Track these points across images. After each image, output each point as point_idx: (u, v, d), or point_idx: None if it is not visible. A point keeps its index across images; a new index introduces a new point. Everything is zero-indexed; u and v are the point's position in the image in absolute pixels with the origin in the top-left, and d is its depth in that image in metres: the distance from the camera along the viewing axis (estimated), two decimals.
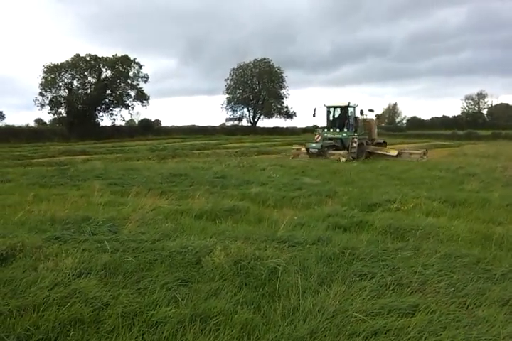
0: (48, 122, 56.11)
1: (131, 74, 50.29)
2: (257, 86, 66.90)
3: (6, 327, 3.14)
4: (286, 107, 68.41)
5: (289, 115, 68.47)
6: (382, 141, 26.01)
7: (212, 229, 6.05)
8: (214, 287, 3.94)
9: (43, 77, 47.00)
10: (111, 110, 51.30)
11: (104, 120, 53.01)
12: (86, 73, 48.79)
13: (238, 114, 69.02)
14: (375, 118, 26.45)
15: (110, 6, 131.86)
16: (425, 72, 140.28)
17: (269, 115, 68.36)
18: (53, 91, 47.55)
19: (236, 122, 68.67)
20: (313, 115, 23.77)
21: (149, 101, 52.30)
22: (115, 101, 50.84)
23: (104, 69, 49.52)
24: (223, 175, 13.34)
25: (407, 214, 7.44)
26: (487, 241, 5.81)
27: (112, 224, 6.14)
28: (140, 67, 50.42)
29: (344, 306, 3.61)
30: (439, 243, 5.58)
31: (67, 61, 47.47)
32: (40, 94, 47.16)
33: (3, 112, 66.64)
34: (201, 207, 7.54)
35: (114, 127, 51.38)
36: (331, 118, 24.06)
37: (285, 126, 69.11)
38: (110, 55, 49.19)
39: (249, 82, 66.61)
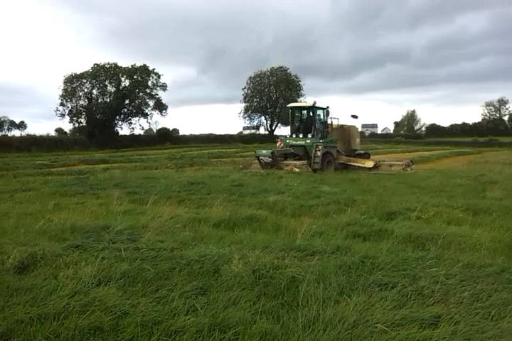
0: (68, 131, 57.19)
1: (149, 83, 50.96)
2: (274, 94, 67.13)
3: (26, 335, 3.16)
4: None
5: None
6: (363, 152, 22.84)
7: (230, 238, 6.04)
8: (233, 296, 3.91)
9: (64, 87, 47.97)
10: (130, 119, 52.04)
11: (123, 129, 53.78)
12: (106, 83, 49.60)
13: (255, 122, 69.35)
14: (359, 126, 25.01)
15: (130, 17, 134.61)
16: (445, 78, 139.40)
17: (286, 123, 68.28)
18: (73, 101, 48.55)
19: (253, 130, 68.96)
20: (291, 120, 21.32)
21: (167, 110, 52.90)
22: (134, 111, 51.55)
23: (123, 79, 50.28)
24: (241, 183, 13.35)
25: (428, 222, 7.32)
26: (511, 250, 5.68)
27: (130, 232, 6.19)
28: (159, 76, 51.12)
29: (365, 316, 3.55)
30: (461, 252, 5.47)
31: (86, 71, 48.35)
32: (61, 104, 48.20)
33: (25, 122, 68.21)
34: (219, 216, 7.55)
35: (132, 136, 52.06)
36: (295, 122, 21.20)
37: None
38: (129, 65, 49.96)
39: (266, 90, 66.90)
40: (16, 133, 62.27)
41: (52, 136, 49.99)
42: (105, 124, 48.50)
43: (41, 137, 45.72)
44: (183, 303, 3.71)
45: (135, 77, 50.19)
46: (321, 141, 19.26)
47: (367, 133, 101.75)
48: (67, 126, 54.77)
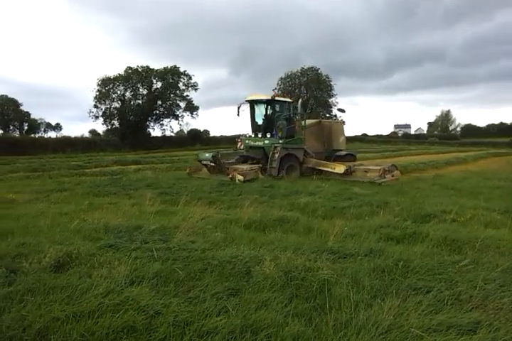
0: (101, 133, 58.38)
1: (180, 85, 51.51)
2: (305, 95, 66.73)
3: (62, 333, 3.22)
4: (335, 116, 67.80)
5: None
6: (345, 153, 19.17)
7: (261, 239, 6.02)
8: (264, 298, 3.89)
9: (98, 90, 48.97)
10: (161, 121, 52.71)
11: (155, 130, 54.54)
12: (138, 85, 50.40)
13: None
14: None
15: (162, 19, 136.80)
16: (483, 77, 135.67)
17: None
18: (107, 103, 49.46)
19: None
20: (237, 114, 17.51)
21: (198, 111, 53.34)
22: (165, 112, 52.19)
23: (154, 81, 50.99)
24: (271, 184, 13.30)
25: (464, 225, 7.12)
26: None
27: (162, 232, 6.25)
28: (190, 78, 51.57)
29: (399, 321, 3.47)
30: (500, 256, 5.27)
31: (120, 74, 49.26)
32: (95, 106, 49.17)
33: (61, 124, 70.09)
34: (250, 217, 7.54)
35: (164, 137, 52.72)
36: (256, 118, 17.80)
37: None
38: (161, 67, 50.65)
39: (296, 90, 66.55)
40: (52, 134, 64.00)
41: (86, 138, 51.10)
42: (137, 126, 49.26)
43: (76, 138, 46.85)
44: (215, 304, 3.72)
45: (166, 78, 50.83)
46: (280, 141, 16.19)
47: (399, 133, 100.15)
48: (100, 127, 56.07)
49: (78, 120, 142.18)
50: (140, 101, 50.42)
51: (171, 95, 51.68)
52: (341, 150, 19.28)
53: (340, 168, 15.74)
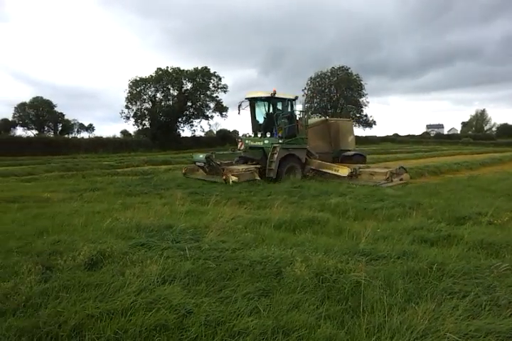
0: (132, 133, 59.29)
1: (210, 86, 51.84)
2: (335, 94, 66.21)
3: (96, 330, 3.27)
4: (366, 116, 67.05)
5: (368, 124, 67.01)
6: (353, 153, 17.97)
7: (291, 240, 5.98)
8: (295, 299, 3.86)
9: (129, 91, 49.78)
10: (191, 121, 53.17)
11: (185, 131, 55.02)
12: (169, 86, 50.98)
13: None
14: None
15: (193, 20, 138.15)
16: None
17: None
18: (138, 104, 50.19)
19: None
20: (238, 113, 16.53)
21: (228, 112, 53.57)
22: (195, 113, 52.62)
23: (185, 82, 51.48)
24: (301, 185, 13.24)
25: (501, 228, 6.90)
26: None
27: (193, 232, 6.29)
28: (219, 78, 51.86)
29: (435, 325, 3.38)
30: None
31: (151, 75, 49.95)
32: (126, 107, 49.97)
33: (93, 124, 71.64)
34: (280, 217, 7.51)
35: (193, 138, 53.17)
36: (257, 117, 16.88)
37: (364, 135, 67.77)
38: (191, 68, 51.12)
39: (326, 90, 66.09)
40: (85, 135, 65.42)
41: (117, 138, 51.95)
42: (168, 126, 49.82)
43: (107, 139, 47.72)
44: (246, 304, 3.71)
45: (197, 79, 51.25)
46: (280, 141, 15.29)
47: (432, 133, 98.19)
48: (131, 128, 56.87)
49: (110, 121, 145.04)
50: (170, 102, 50.97)
51: (201, 96, 52.07)
52: (350, 150, 18.16)
53: (344, 171, 14.75)
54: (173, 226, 6.57)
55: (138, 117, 50.37)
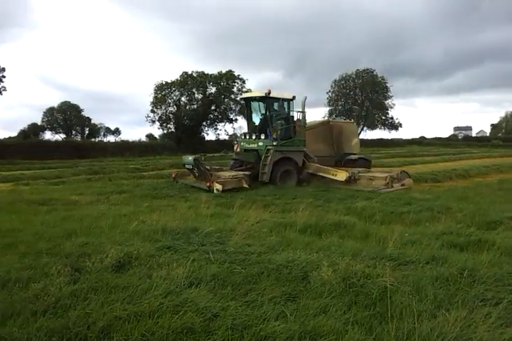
0: (157, 137, 59.93)
1: (235, 89, 52.03)
2: (360, 97, 65.65)
3: (124, 331, 3.29)
4: (391, 118, 66.24)
5: (393, 126, 66.20)
6: (357, 157, 16.98)
7: (317, 244, 5.92)
8: (322, 304, 3.81)
9: (154, 95, 50.36)
10: (216, 125, 53.42)
11: (209, 134, 55.32)
12: (193, 90, 51.37)
13: None
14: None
15: (218, 23, 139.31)
16: None
17: (372, 127, 66.62)
18: (163, 108, 50.71)
19: None
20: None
21: None
22: (219, 116, 52.84)
23: (209, 86, 51.80)
24: (326, 188, 13.14)
25: None
26: None
27: (219, 235, 6.30)
28: (244, 82, 51.99)
29: (466, 333, 3.29)
30: None
31: (176, 79, 50.44)
32: (152, 111, 50.52)
33: (120, 128, 72.80)
34: (305, 221, 7.45)
35: (218, 141, 53.40)
36: (253, 118, 16.34)
37: (390, 138, 66.98)
38: (215, 72, 51.43)
39: (351, 93, 65.58)
40: (111, 139, 66.50)
41: (143, 142, 52.65)
42: (192, 130, 50.14)
43: (133, 142, 48.46)
44: (272, 309, 3.68)
45: (221, 83, 51.51)
46: (274, 143, 14.55)
47: (460, 136, 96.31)
48: (156, 131, 57.53)
49: (136, 124, 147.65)
50: (195, 106, 51.34)
51: (225, 99, 52.30)
52: (354, 154, 17.27)
53: (341, 175, 13.93)
54: (198, 229, 6.59)
55: (163, 121, 50.86)
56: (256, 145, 15.23)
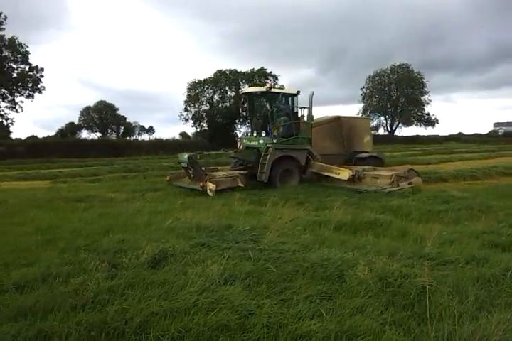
0: (191, 135, 60.48)
1: (267, 86, 51.93)
2: (395, 93, 64.48)
3: (161, 327, 3.33)
4: (428, 114, 64.82)
5: (430, 122, 64.74)
6: (366, 155, 15.87)
7: (352, 243, 5.84)
8: (359, 303, 3.74)
9: (188, 94, 50.84)
10: (248, 122, 53.52)
11: (242, 132, 55.46)
12: (226, 88, 51.59)
13: (374, 122, 67.21)
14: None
15: (249, 21, 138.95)
16: None
17: (408, 123, 65.37)
18: (196, 106, 51.16)
19: (372, 131, 66.87)
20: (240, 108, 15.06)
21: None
22: None
23: (242, 83, 51.90)
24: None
25: None
26: None
27: (252, 232, 6.29)
28: (276, 78, 51.84)
29: (510, 337, 3.17)
30: None
31: (209, 77, 50.78)
32: (185, 109, 51.02)
33: (154, 127, 73.85)
34: (340, 219, 7.38)
35: None
36: (256, 114, 15.53)
37: (426, 135, 65.50)
38: (248, 69, 51.48)
39: (386, 89, 64.50)
40: (145, 137, 67.44)
41: (176, 140, 53.09)
42: (225, 128, 50.33)
43: (167, 141, 48.97)
44: (308, 307, 3.65)
45: (253, 80, 51.52)
46: (274, 140, 13.76)
47: (500, 132, 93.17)
48: (190, 130, 58.07)
49: (169, 123, 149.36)
50: (228, 104, 51.56)
51: None
52: (366, 152, 16.19)
53: (344, 174, 12.96)
54: (232, 227, 6.62)
55: (196, 119, 51.32)
56: (257, 142, 14.44)
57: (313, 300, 3.81)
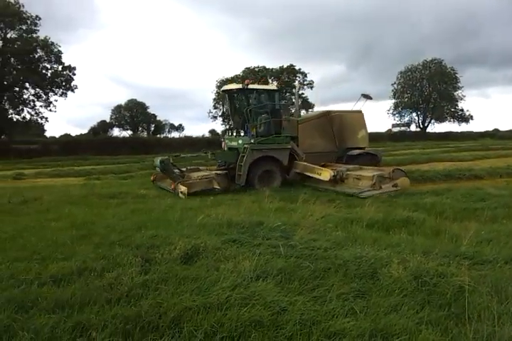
0: (220, 132, 60.84)
1: (296, 83, 51.81)
2: (427, 89, 63.22)
3: (194, 322, 3.34)
4: (461, 110, 63.30)
5: (464, 119, 63.22)
6: (358, 153, 14.65)
7: (385, 240, 5.75)
8: (393, 302, 3.68)
9: (217, 91, 51.09)
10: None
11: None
12: None
13: (406, 119, 66.11)
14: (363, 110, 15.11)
15: (279, 17, 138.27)
16: None
17: (440, 119, 64.06)
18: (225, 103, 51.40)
19: (403, 128, 65.81)
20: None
21: (314, 108, 53.24)
22: (281, 111, 52.76)
23: (270, 81, 51.86)
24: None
25: None
26: None
27: (283, 229, 6.28)
28: (305, 75, 51.58)
29: None
30: None
31: (237, 75, 50.92)
32: (214, 106, 51.37)
33: (183, 124, 74.63)
34: (372, 217, 7.28)
35: None
36: (236, 113, 14.86)
37: (459, 131, 64.01)
38: (277, 66, 51.38)
39: (418, 85, 63.32)
40: (175, 135, 68.26)
41: (206, 137, 53.54)
42: None
43: (196, 138, 49.46)
44: (341, 305, 3.60)
45: (282, 77, 51.39)
46: (252, 140, 13.00)
47: None
48: (219, 127, 58.46)
49: (199, 120, 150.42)
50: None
51: (287, 94, 52.20)
52: (361, 148, 15.12)
53: (325, 174, 12.10)
54: (263, 223, 6.62)
55: (225, 117, 51.57)
56: (236, 143, 13.84)
57: (346, 298, 3.76)
